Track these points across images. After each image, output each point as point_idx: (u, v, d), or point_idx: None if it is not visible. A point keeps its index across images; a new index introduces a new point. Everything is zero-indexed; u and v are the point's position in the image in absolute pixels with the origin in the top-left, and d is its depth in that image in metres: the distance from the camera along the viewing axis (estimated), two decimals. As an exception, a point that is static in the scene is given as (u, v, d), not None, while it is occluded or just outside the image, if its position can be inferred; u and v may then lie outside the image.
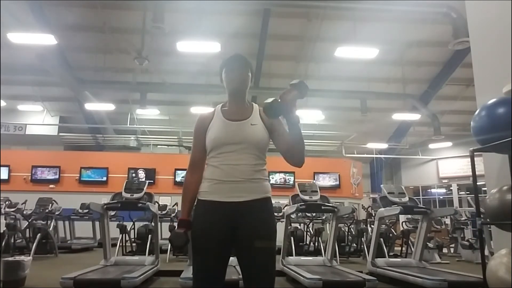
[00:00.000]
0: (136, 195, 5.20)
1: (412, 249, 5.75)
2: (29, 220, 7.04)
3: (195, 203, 1.66)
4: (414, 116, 11.60)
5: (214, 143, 1.61)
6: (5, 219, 6.78)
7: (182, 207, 1.67)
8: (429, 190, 15.72)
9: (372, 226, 6.71)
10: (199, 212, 1.61)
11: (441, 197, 15.42)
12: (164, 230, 8.31)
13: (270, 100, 1.48)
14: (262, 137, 1.63)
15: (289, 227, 5.47)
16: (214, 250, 1.55)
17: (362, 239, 7.63)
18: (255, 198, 1.58)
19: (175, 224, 7.54)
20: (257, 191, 1.60)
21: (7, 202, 7.78)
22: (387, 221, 7.66)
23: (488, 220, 2.35)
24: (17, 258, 4.25)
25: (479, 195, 2.53)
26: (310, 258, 5.72)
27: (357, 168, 13.82)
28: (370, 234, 7.03)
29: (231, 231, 1.56)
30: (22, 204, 7.88)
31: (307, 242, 7.46)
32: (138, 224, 7.36)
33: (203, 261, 1.55)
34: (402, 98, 11.49)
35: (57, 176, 11.94)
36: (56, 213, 8.04)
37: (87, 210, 8.42)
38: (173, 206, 8.84)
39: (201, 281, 1.55)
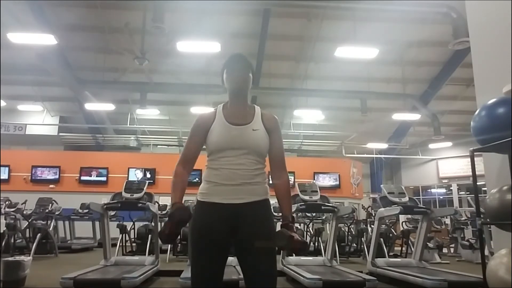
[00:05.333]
0: (136, 195, 5.21)
1: (412, 249, 5.75)
2: (29, 220, 7.04)
3: (194, 204, 1.66)
4: (414, 116, 11.60)
5: (216, 147, 1.61)
6: (5, 219, 6.77)
7: (174, 194, 1.59)
8: (429, 190, 15.71)
9: (372, 226, 6.71)
10: (199, 213, 1.61)
11: (441, 197, 15.41)
12: (164, 230, 8.28)
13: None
14: (263, 143, 1.64)
15: (289, 227, 5.45)
16: (212, 251, 1.55)
17: (362, 239, 7.62)
18: (255, 200, 1.59)
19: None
20: (256, 194, 1.61)
21: (7, 202, 7.75)
22: (387, 221, 7.65)
23: (488, 220, 2.35)
24: (17, 258, 4.24)
25: (479, 195, 2.53)
26: (310, 258, 5.71)
27: (357, 168, 13.83)
28: (370, 234, 7.02)
29: (230, 232, 1.56)
30: (22, 204, 7.85)
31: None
32: (138, 224, 7.36)
33: (201, 261, 1.56)
34: (402, 98, 11.49)
35: (57, 176, 11.95)
36: (56, 213, 8.01)
37: (87, 210, 8.41)
38: (173, 206, 8.82)
39: (200, 281, 1.55)
